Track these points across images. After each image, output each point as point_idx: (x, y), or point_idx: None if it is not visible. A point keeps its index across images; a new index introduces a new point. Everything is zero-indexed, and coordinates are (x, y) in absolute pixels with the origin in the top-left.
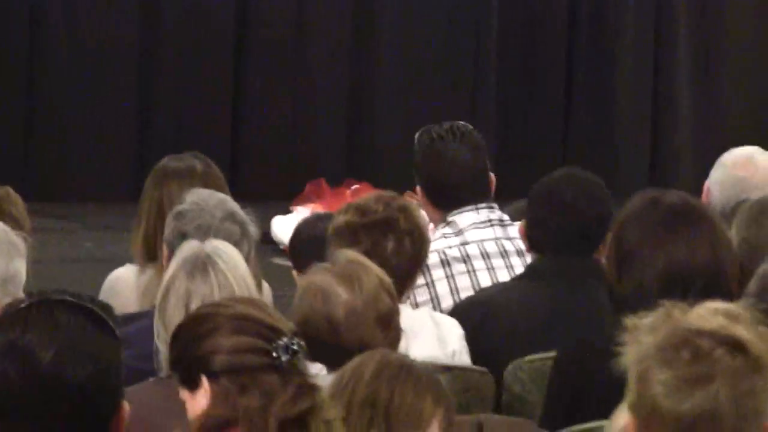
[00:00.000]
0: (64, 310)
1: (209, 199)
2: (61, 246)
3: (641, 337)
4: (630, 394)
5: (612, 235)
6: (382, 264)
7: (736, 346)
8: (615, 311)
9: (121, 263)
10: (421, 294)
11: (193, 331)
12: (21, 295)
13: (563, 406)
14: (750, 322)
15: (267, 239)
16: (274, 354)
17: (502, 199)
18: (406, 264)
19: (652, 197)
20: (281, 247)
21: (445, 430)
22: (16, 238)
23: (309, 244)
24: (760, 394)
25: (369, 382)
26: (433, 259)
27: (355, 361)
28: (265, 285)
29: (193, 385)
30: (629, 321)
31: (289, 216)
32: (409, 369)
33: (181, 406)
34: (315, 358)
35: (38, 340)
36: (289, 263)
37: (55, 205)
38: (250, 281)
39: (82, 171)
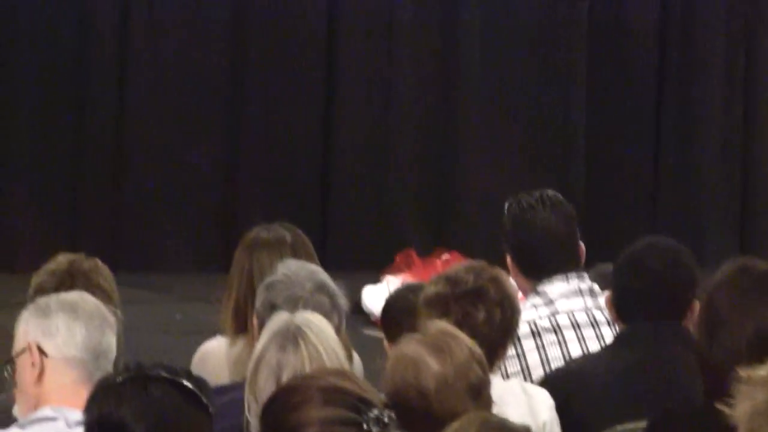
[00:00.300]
0: (159, 386)
1: (299, 271)
2: (151, 317)
3: (755, 392)
4: None
5: (703, 303)
6: (473, 334)
7: None
8: (705, 379)
9: (212, 334)
10: (512, 365)
11: (284, 403)
12: (110, 369)
13: None
14: None
15: (358, 310)
16: (365, 426)
17: (588, 264)
18: (497, 334)
19: (742, 265)
20: (371, 318)
21: None
22: (107, 312)
23: (400, 315)
24: None
25: None
26: (523, 329)
27: (456, 423)
28: (356, 356)
29: None
30: (743, 372)
31: (379, 286)
32: (510, 429)
33: None
34: (406, 429)
35: (131, 414)
36: (380, 334)
37: (144, 275)
38: (341, 352)
39: (171, 241)
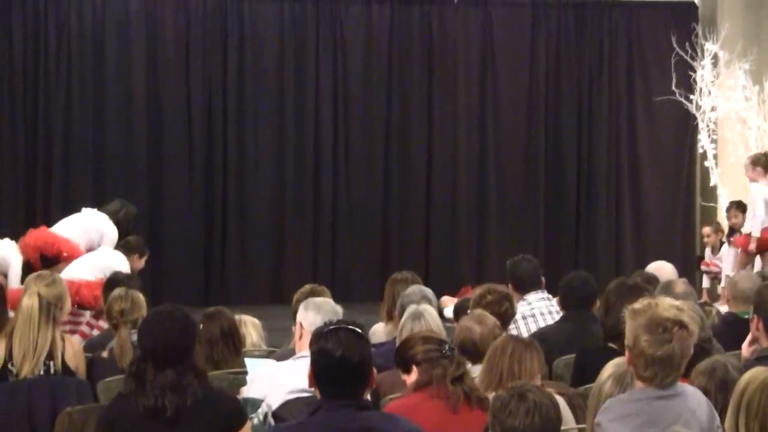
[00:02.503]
0: (346, 330)
1: (416, 290)
2: None
3: (634, 317)
4: (629, 343)
5: (602, 299)
6: (496, 317)
7: (682, 325)
8: (604, 335)
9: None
10: (512, 331)
11: (406, 345)
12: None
13: (579, 376)
14: (687, 311)
15: (440, 315)
16: (444, 351)
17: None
18: (507, 318)
19: (620, 281)
20: (448, 318)
21: (541, 381)
22: (337, 309)
23: (462, 312)
24: (691, 345)
25: (504, 354)
26: (517, 316)
27: (497, 342)
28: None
29: (408, 370)
30: (630, 307)
31: (453, 302)
32: (528, 343)
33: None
34: (464, 357)
35: (334, 346)
36: (452, 324)
37: None
38: (439, 324)
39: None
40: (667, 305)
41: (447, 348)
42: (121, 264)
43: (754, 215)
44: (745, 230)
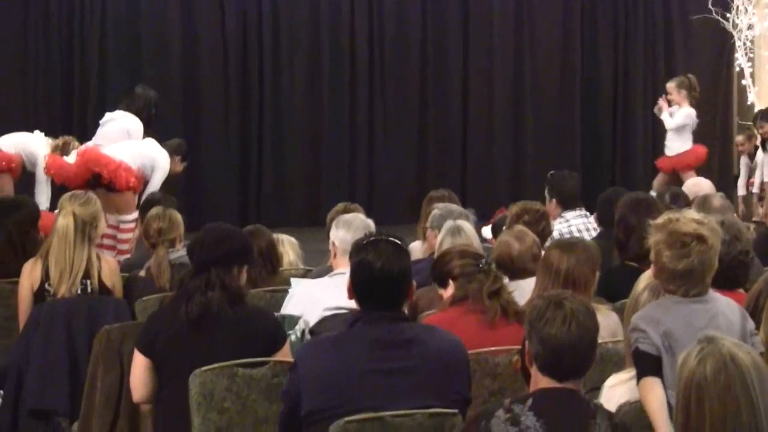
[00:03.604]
0: (385, 242)
1: (452, 206)
2: None
3: (656, 232)
4: (652, 258)
5: (618, 216)
6: (536, 233)
7: (701, 239)
8: (620, 255)
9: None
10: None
11: (443, 257)
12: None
13: (604, 286)
14: (708, 224)
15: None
16: (480, 265)
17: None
18: (545, 236)
19: (633, 198)
20: (487, 239)
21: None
22: (368, 223)
23: (499, 230)
24: (713, 258)
25: (555, 253)
26: (555, 233)
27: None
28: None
29: (444, 284)
30: (652, 223)
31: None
32: (577, 243)
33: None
34: (501, 271)
35: (373, 257)
36: (491, 244)
37: None
38: (476, 238)
39: None
40: (687, 219)
41: (483, 262)
42: (164, 161)
43: None
44: None
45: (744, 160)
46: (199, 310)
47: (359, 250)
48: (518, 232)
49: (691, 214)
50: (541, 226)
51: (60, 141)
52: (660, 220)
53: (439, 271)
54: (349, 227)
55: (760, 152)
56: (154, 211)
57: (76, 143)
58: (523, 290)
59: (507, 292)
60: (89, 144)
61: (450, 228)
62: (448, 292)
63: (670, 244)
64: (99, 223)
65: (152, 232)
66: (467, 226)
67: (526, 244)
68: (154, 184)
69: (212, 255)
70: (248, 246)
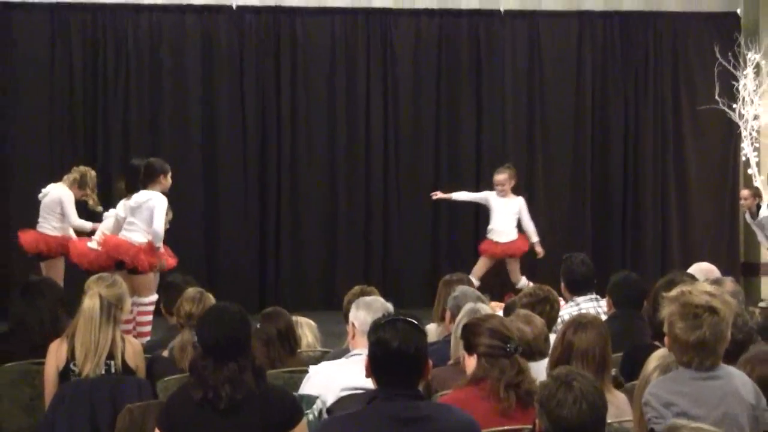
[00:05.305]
0: (403, 322)
1: (467, 291)
2: None
3: (669, 305)
4: (666, 330)
5: (651, 296)
6: (543, 317)
7: (713, 311)
8: (653, 330)
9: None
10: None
11: (476, 329)
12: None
13: (628, 372)
14: (720, 296)
15: None
16: (507, 349)
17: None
18: (552, 320)
19: (669, 278)
20: None
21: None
22: (387, 306)
23: (511, 312)
24: (725, 330)
25: (569, 331)
26: (565, 316)
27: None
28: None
29: (471, 352)
30: (665, 296)
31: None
32: (589, 320)
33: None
34: (522, 356)
35: (391, 336)
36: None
37: None
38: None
39: None
40: (698, 291)
41: (511, 346)
42: (158, 198)
43: None
44: None
45: (747, 216)
46: (211, 392)
47: (377, 329)
48: (524, 317)
49: (704, 286)
50: (544, 308)
51: (76, 174)
52: (673, 292)
53: (467, 339)
54: (369, 309)
55: (763, 209)
56: (191, 292)
57: (92, 173)
58: (537, 372)
59: (529, 381)
60: (40, 221)
61: (469, 310)
62: (471, 362)
63: (683, 316)
64: (124, 305)
65: (183, 314)
66: (486, 309)
67: (538, 327)
68: (158, 223)
69: (215, 334)
70: (248, 321)
